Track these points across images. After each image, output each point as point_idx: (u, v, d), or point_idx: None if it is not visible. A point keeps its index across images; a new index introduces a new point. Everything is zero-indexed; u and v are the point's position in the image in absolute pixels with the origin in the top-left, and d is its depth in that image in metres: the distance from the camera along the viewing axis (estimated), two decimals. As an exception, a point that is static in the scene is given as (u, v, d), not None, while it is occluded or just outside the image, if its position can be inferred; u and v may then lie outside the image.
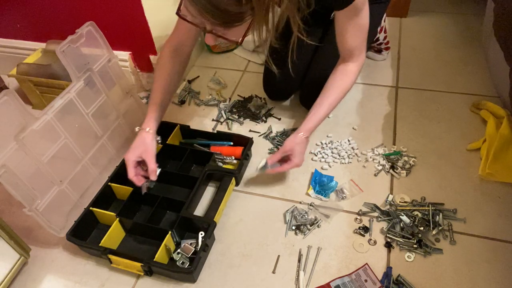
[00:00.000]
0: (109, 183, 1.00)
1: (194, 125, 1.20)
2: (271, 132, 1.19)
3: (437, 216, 0.91)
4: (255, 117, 1.24)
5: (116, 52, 1.10)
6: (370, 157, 1.08)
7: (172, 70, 1.01)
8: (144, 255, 0.86)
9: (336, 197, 1.00)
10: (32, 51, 1.35)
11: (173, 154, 1.09)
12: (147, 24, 1.19)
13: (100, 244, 0.88)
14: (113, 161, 1.11)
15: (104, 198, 1.00)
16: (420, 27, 1.57)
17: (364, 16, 0.90)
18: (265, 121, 1.24)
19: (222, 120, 1.26)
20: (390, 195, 0.98)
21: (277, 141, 1.15)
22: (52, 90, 1.27)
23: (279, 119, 1.24)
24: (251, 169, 1.08)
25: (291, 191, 1.03)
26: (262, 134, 1.19)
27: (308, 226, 0.93)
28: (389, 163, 1.05)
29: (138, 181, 0.94)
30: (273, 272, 0.87)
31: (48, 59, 1.28)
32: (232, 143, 1.12)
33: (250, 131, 1.21)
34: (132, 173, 0.93)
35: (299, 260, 0.88)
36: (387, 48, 1.39)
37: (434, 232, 0.89)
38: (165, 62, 1.01)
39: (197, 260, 0.83)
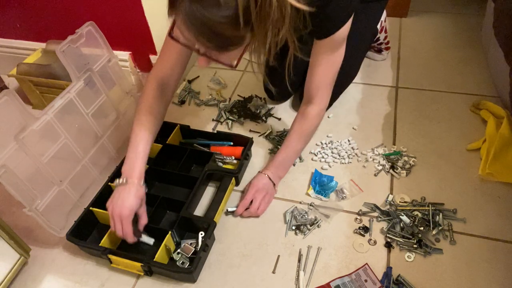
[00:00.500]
0: (109, 183, 1.00)
1: (194, 125, 1.20)
2: (271, 132, 1.20)
3: (437, 216, 0.91)
4: (255, 117, 1.24)
5: (116, 52, 1.10)
6: (370, 157, 1.08)
7: (159, 113, 0.93)
8: (144, 255, 0.86)
9: (336, 197, 1.00)
10: (32, 51, 1.35)
11: (173, 154, 1.09)
12: (147, 24, 1.19)
13: (100, 244, 0.88)
14: (113, 161, 1.11)
15: (104, 198, 0.99)
16: (420, 27, 1.57)
17: (340, 53, 0.90)
18: (265, 121, 1.24)
19: (222, 120, 1.26)
20: (390, 195, 0.98)
21: (277, 142, 1.15)
22: (52, 90, 1.27)
23: (279, 119, 1.24)
24: (251, 169, 1.08)
25: (291, 191, 1.03)
26: (262, 134, 1.19)
27: (308, 226, 0.93)
28: (389, 163, 1.05)
29: (132, 237, 0.84)
30: (273, 272, 0.87)
31: (48, 59, 1.28)
32: (232, 143, 1.12)
33: (250, 131, 1.21)
34: (130, 229, 0.83)
35: (299, 260, 0.88)
36: (387, 48, 1.39)
37: (434, 232, 0.89)
38: (152, 103, 0.91)
39: (197, 260, 0.83)
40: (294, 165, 1.09)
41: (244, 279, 0.86)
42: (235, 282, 0.86)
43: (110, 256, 0.86)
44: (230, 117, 1.25)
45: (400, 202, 0.96)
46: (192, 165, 1.10)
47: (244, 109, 1.27)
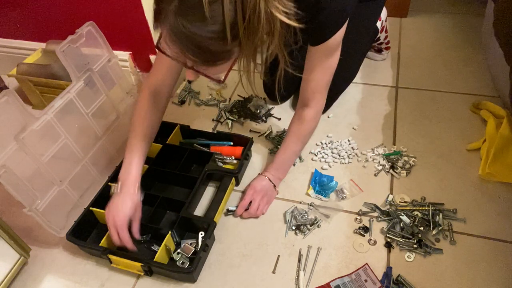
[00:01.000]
0: (109, 183, 1.00)
1: (194, 125, 1.20)
2: (271, 132, 1.19)
3: (437, 216, 0.91)
4: (255, 117, 1.24)
5: (116, 52, 1.10)
6: (370, 157, 1.08)
7: (153, 122, 0.94)
8: (144, 255, 0.86)
9: (336, 197, 1.00)
10: (32, 51, 1.35)
11: (173, 154, 1.09)
12: (147, 24, 1.19)
13: (100, 244, 0.88)
14: (113, 161, 1.11)
15: (104, 198, 0.99)
16: (420, 27, 1.57)
17: (335, 57, 0.89)
18: (265, 121, 1.24)
19: (222, 120, 1.26)
20: (390, 195, 0.98)
21: (277, 141, 1.15)
22: (52, 90, 1.27)
23: (279, 119, 1.24)
24: (251, 169, 1.08)
25: (291, 191, 1.03)
26: (262, 134, 1.19)
27: (308, 226, 0.93)
28: (389, 163, 1.05)
29: (133, 246, 0.85)
30: (273, 272, 0.87)
31: (48, 59, 1.28)
32: (232, 143, 1.12)
33: (250, 131, 1.21)
34: (127, 236, 0.83)
35: (299, 260, 0.88)
36: (387, 48, 1.39)
37: (434, 232, 0.89)
38: (146, 111, 0.92)
39: (197, 260, 0.83)
40: (294, 165, 1.09)
41: (244, 279, 0.86)
42: (235, 282, 0.86)
43: (110, 256, 0.86)
44: (230, 117, 1.25)
45: (400, 202, 0.96)
46: (192, 165, 1.10)
47: (244, 109, 1.27)
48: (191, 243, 0.90)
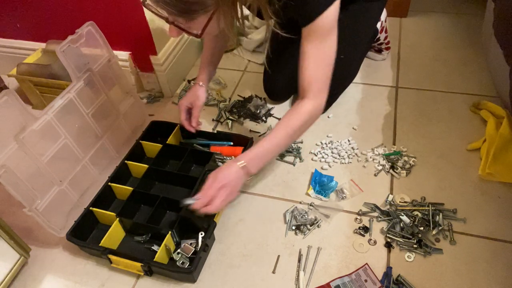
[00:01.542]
0: (109, 183, 1.00)
1: (194, 125, 1.20)
2: (271, 132, 1.19)
3: (437, 216, 0.91)
4: (255, 117, 1.24)
5: (116, 52, 1.10)
6: (370, 157, 1.08)
7: (219, 44, 1.11)
8: (144, 255, 0.86)
9: (336, 197, 1.00)
10: (32, 51, 1.35)
11: (173, 154, 1.09)
12: (147, 24, 1.19)
13: (100, 244, 0.88)
14: (113, 161, 1.11)
15: (104, 198, 1.00)
16: (420, 27, 1.57)
17: (329, 45, 0.84)
18: (265, 121, 1.24)
19: (222, 120, 1.26)
20: (390, 195, 0.98)
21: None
22: (52, 90, 1.27)
23: (279, 119, 1.24)
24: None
25: (291, 191, 1.03)
26: (262, 134, 1.19)
27: (308, 226, 0.93)
28: (389, 163, 1.05)
29: (187, 124, 1.08)
30: (273, 272, 0.87)
31: (48, 59, 1.28)
32: (232, 143, 1.12)
33: (250, 131, 1.21)
34: (183, 116, 1.08)
35: (299, 260, 0.88)
36: (387, 48, 1.39)
37: (434, 232, 0.89)
38: (213, 39, 1.09)
39: (197, 260, 0.83)
40: (294, 165, 1.09)
41: (244, 279, 0.86)
42: (235, 282, 0.86)
43: (110, 256, 0.86)
44: (230, 117, 1.25)
45: (400, 202, 0.96)
46: (192, 165, 1.10)
47: (244, 109, 1.27)
48: (191, 243, 0.90)
